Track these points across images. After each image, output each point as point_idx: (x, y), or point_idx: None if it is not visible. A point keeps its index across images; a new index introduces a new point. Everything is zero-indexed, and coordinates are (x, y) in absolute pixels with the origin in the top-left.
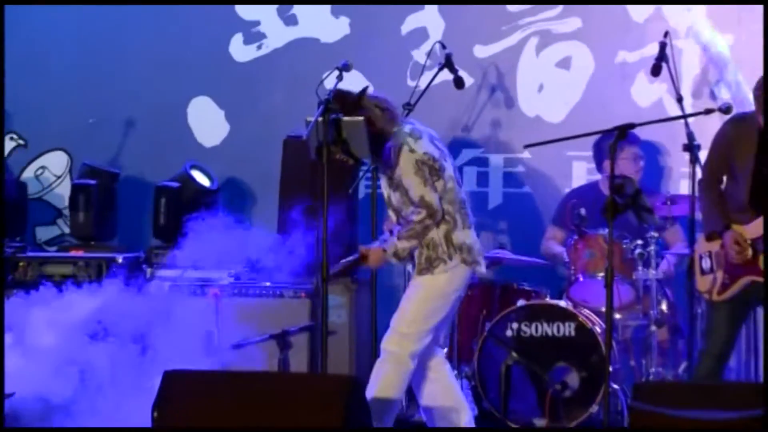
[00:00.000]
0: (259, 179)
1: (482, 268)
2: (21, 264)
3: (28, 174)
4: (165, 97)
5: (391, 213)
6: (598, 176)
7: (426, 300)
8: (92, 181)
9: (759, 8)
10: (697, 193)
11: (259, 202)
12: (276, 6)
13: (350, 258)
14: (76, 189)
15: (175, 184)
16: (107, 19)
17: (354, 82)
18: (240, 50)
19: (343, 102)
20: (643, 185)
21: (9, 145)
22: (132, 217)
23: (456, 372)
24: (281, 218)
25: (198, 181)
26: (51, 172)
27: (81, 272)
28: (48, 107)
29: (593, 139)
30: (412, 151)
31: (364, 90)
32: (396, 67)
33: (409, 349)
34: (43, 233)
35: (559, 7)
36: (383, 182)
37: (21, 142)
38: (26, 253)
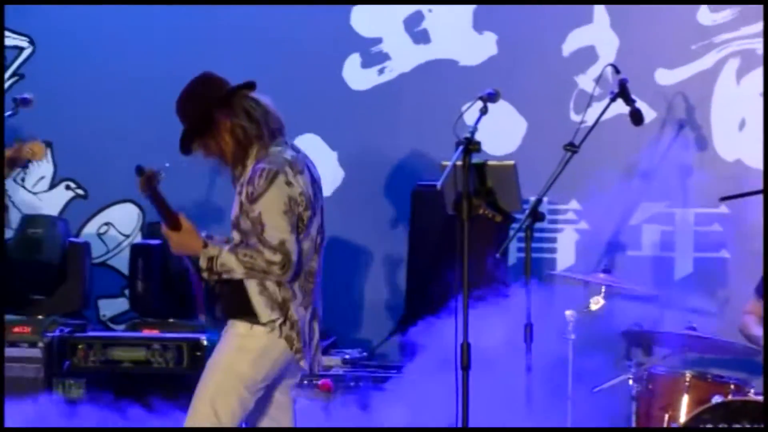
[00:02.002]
0: (380, 238)
1: (300, 356)
2: (80, 347)
3: (89, 231)
4: None
5: (234, 233)
6: None
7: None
8: (155, 242)
9: None
10: None
11: (379, 266)
12: (403, 18)
13: (169, 209)
14: (135, 252)
15: None
16: (189, 42)
17: (502, 114)
18: (357, 75)
19: (205, 95)
20: None
21: (65, 195)
22: None
23: None
24: (411, 288)
25: None
26: (118, 230)
27: (156, 357)
28: (113, 149)
29: None
30: (288, 184)
31: (246, 85)
32: (556, 97)
33: None
34: (109, 307)
35: None
36: (236, 200)
37: (80, 192)
38: (87, 332)
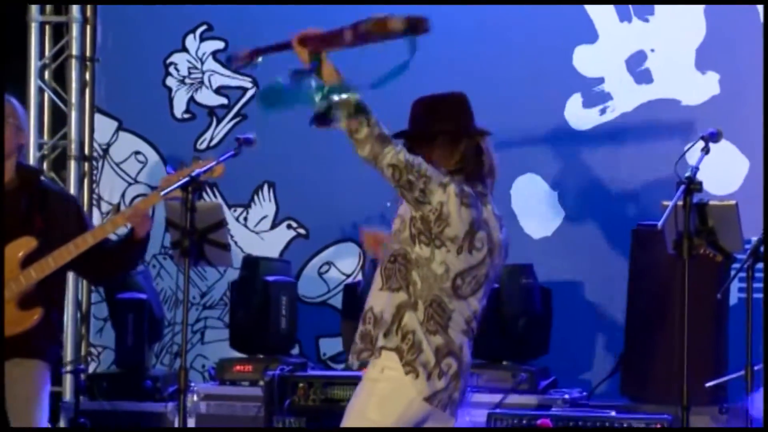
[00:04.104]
0: (599, 277)
1: (422, 384)
2: (301, 385)
3: (309, 272)
4: None
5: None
6: None
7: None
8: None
9: None
10: None
11: (599, 305)
12: (625, 58)
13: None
14: (345, 291)
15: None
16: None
17: (724, 154)
18: (578, 115)
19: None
20: None
21: (287, 234)
22: None
23: None
24: (631, 328)
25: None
26: (339, 269)
27: None
28: (334, 188)
29: None
30: (456, 193)
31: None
32: None
33: None
34: (329, 347)
35: None
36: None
37: (301, 231)
38: (307, 371)
